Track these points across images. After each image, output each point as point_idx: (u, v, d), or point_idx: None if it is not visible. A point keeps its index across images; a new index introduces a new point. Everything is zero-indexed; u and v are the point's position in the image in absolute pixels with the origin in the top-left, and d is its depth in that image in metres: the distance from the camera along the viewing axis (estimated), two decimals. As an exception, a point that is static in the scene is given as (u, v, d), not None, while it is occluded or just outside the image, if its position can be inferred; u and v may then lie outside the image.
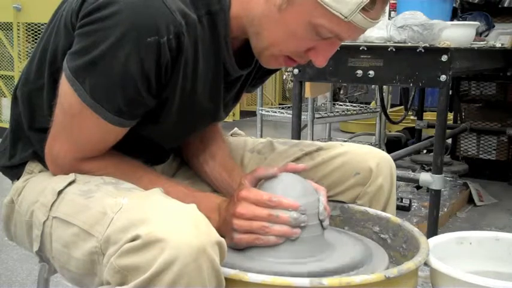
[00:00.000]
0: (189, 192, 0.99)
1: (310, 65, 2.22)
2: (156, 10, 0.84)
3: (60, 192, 0.92)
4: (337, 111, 3.78)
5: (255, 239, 0.92)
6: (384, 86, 3.65)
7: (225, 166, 1.15)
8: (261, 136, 3.50)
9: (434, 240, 1.07)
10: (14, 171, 1.06)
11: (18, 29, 4.40)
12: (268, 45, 0.94)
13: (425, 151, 3.64)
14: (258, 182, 0.98)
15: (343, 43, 2.07)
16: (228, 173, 1.13)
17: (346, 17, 0.86)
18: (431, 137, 2.97)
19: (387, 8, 2.40)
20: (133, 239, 0.75)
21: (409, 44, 2.04)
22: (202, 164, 1.16)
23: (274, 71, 1.23)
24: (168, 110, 0.96)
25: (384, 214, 1.10)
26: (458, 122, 3.73)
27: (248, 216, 0.91)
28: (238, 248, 0.94)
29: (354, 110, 3.91)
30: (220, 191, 1.13)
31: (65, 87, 0.89)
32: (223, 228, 0.94)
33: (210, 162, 1.15)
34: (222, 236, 0.95)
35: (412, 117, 4.58)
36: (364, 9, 0.86)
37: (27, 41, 4.45)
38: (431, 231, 2.09)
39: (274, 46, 0.94)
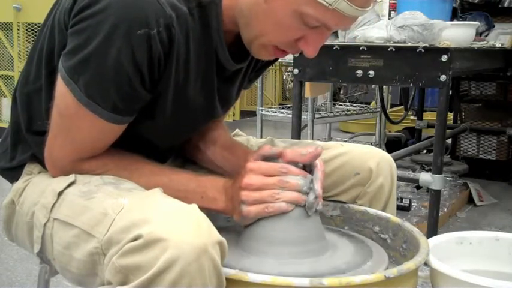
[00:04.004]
0: (192, 177, 0.98)
1: (310, 65, 2.22)
2: (145, 3, 0.84)
3: (60, 194, 0.92)
4: (337, 111, 3.79)
5: (264, 208, 0.90)
6: (384, 86, 3.65)
7: (226, 146, 1.14)
8: (261, 136, 3.50)
9: (434, 240, 1.07)
10: (13, 173, 1.06)
11: (18, 29, 4.41)
12: (257, 35, 0.94)
13: (425, 151, 3.64)
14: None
15: (342, 43, 2.06)
16: (230, 151, 1.13)
17: (330, 4, 0.85)
18: (431, 137, 2.97)
19: (387, 8, 2.40)
20: (135, 239, 0.75)
21: (409, 44, 2.04)
22: (204, 152, 1.15)
23: (268, 64, 1.23)
24: (163, 105, 0.96)
25: (384, 214, 1.10)
26: (458, 122, 3.73)
27: (257, 185, 0.90)
28: (247, 224, 0.94)
29: (354, 110, 3.92)
30: (227, 172, 1.11)
31: (60, 88, 0.90)
32: (231, 206, 0.94)
33: (212, 147, 1.15)
34: (230, 216, 0.95)
35: (412, 117, 4.59)
36: None
37: (27, 41, 4.45)
38: (431, 231, 2.09)
39: (263, 36, 0.93)
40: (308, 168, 0.95)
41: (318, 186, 0.92)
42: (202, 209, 0.84)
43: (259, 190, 0.90)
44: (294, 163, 0.93)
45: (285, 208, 0.91)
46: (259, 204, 0.90)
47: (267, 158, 0.95)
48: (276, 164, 0.92)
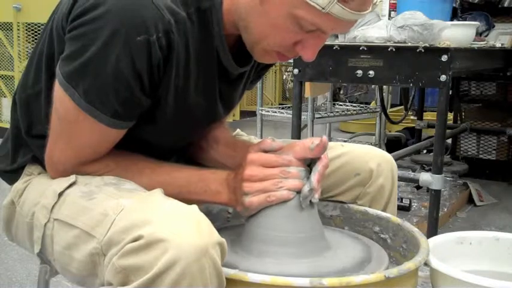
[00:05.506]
0: (194, 172, 0.98)
1: (310, 65, 2.22)
2: (144, 9, 0.84)
3: (60, 194, 0.92)
4: (337, 111, 3.79)
5: (266, 197, 0.91)
6: (384, 86, 3.65)
7: (229, 144, 1.14)
8: (261, 136, 3.50)
9: (434, 240, 1.07)
10: (13, 175, 1.06)
11: (18, 29, 4.40)
12: (257, 39, 0.93)
13: (425, 151, 3.64)
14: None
15: (342, 43, 2.05)
16: (233, 148, 1.13)
17: (323, 8, 0.84)
18: (431, 137, 2.97)
19: (387, 8, 2.40)
20: (135, 240, 0.75)
21: (409, 44, 2.04)
22: (207, 151, 1.15)
23: (270, 65, 1.23)
24: (163, 109, 0.96)
25: (384, 214, 1.10)
26: (458, 122, 3.73)
27: (259, 177, 0.91)
28: (249, 214, 0.94)
29: (354, 110, 3.92)
30: (230, 169, 1.10)
31: (59, 93, 0.89)
32: (234, 198, 0.94)
33: (214, 145, 1.15)
34: (233, 207, 0.96)
35: (412, 117, 4.59)
36: (343, 0, 0.84)
37: (27, 41, 4.45)
38: (431, 231, 2.09)
39: (262, 40, 0.93)
40: (313, 161, 0.95)
41: (314, 179, 0.92)
42: (206, 202, 0.83)
43: (261, 181, 0.91)
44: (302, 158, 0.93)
45: (286, 196, 0.91)
46: (261, 193, 0.91)
47: (267, 152, 0.95)
48: (277, 155, 0.93)
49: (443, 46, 2.00)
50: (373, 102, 4.78)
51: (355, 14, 0.87)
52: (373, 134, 4.05)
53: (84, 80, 0.86)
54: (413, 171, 3.00)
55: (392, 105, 5.13)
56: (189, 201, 0.84)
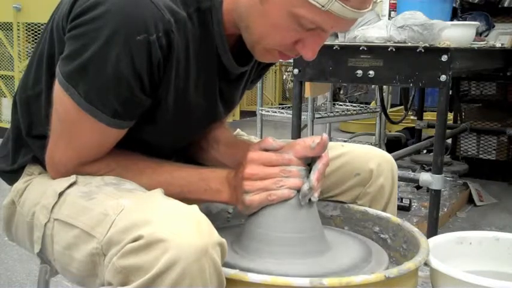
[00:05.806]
0: (194, 171, 0.99)
1: (310, 65, 2.22)
2: (144, 8, 0.84)
3: (61, 194, 0.92)
4: (337, 111, 3.79)
5: (267, 195, 0.91)
6: (384, 86, 3.65)
7: (230, 144, 1.14)
8: (261, 137, 3.50)
9: (434, 240, 1.08)
10: (13, 176, 1.06)
11: (18, 29, 4.41)
12: (258, 38, 0.93)
13: (425, 151, 3.64)
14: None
15: (342, 43, 2.06)
16: (234, 148, 1.13)
17: (323, 6, 0.84)
18: (431, 137, 2.98)
19: (387, 8, 2.40)
20: (135, 240, 0.75)
21: (409, 44, 2.04)
22: (208, 151, 1.15)
23: (270, 64, 1.23)
24: (164, 109, 0.96)
25: (384, 214, 1.10)
26: (458, 122, 3.73)
27: (260, 175, 0.91)
28: (250, 213, 0.94)
29: (354, 110, 3.92)
30: (231, 168, 1.10)
31: (59, 93, 0.89)
32: (234, 196, 0.94)
33: (215, 145, 1.15)
34: (234, 205, 0.96)
35: (412, 117, 4.59)
36: None
37: (27, 41, 4.45)
38: (431, 231, 2.09)
39: (263, 39, 0.93)
40: (314, 160, 0.95)
41: (314, 177, 0.92)
42: (206, 201, 0.82)
43: (262, 180, 0.91)
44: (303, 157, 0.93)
45: (287, 195, 0.92)
46: (262, 192, 0.91)
47: (268, 151, 0.95)
48: (277, 154, 0.93)
49: (443, 46, 2.00)
50: (373, 102, 4.78)
51: (355, 12, 0.87)
52: (373, 134, 4.05)
53: (84, 80, 0.86)
54: (413, 171, 3.00)
55: (392, 105, 5.13)
56: (190, 201, 0.84)
